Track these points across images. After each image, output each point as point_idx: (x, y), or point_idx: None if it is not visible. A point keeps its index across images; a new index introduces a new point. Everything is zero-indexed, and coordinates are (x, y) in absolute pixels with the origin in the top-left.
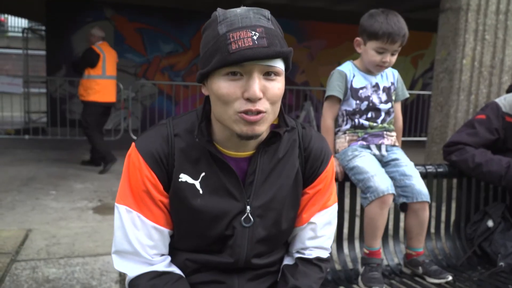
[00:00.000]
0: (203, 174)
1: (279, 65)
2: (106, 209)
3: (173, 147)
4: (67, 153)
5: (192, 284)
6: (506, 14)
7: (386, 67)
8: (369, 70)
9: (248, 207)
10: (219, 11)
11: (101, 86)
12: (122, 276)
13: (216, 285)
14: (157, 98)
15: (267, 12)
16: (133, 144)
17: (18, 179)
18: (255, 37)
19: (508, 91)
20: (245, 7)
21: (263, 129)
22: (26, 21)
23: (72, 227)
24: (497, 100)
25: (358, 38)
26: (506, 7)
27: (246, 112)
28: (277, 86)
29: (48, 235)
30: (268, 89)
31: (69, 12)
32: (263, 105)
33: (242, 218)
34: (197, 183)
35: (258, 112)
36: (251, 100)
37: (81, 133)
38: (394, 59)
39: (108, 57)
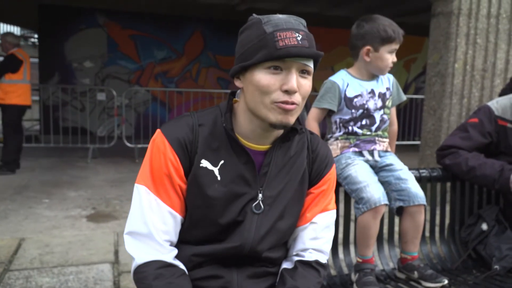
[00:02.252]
0: (222, 162)
1: (312, 65)
2: (99, 217)
3: (197, 135)
4: (61, 161)
5: (192, 279)
6: (497, 17)
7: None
8: (366, 76)
9: (260, 195)
10: (257, 15)
11: (22, 90)
12: (116, 284)
13: (215, 280)
14: (150, 104)
15: (304, 21)
16: (158, 130)
17: (11, 188)
18: (299, 38)
19: (500, 95)
20: (285, 14)
21: (293, 120)
22: (19, 28)
23: (65, 235)
24: (489, 103)
25: (368, 47)
26: (497, 11)
27: (283, 102)
28: (308, 83)
29: (41, 244)
30: (301, 85)
31: (62, 20)
32: (297, 98)
33: (254, 205)
34: (216, 170)
35: (293, 103)
36: (289, 92)
37: (74, 140)
38: None
39: (28, 63)
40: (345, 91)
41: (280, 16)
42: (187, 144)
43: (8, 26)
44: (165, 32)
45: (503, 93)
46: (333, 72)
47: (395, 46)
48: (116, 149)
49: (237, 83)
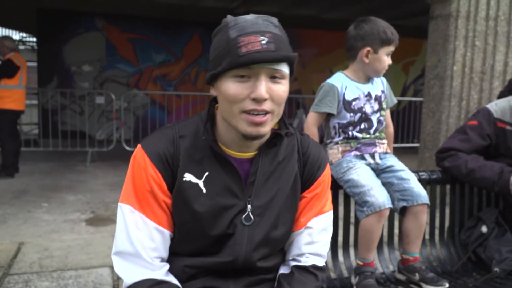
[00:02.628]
0: (206, 173)
1: (284, 68)
2: (99, 221)
3: (178, 148)
4: (60, 165)
5: None
6: (495, 20)
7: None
8: (362, 78)
9: (249, 206)
10: (230, 17)
11: (18, 95)
12: None
13: None
14: (149, 108)
15: (275, 20)
16: (138, 145)
17: (10, 192)
18: (263, 42)
19: (499, 97)
20: (254, 15)
21: (266, 130)
22: (17, 32)
23: (64, 239)
24: (488, 106)
25: (368, 48)
26: (495, 13)
27: (252, 111)
28: (282, 88)
29: (40, 248)
30: (273, 91)
31: (61, 23)
32: (268, 105)
33: (243, 217)
34: (200, 183)
35: (265, 112)
36: (257, 100)
37: (73, 144)
38: None
39: (24, 69)
40: (343, 94)
41: (248, 17)
42: (168, 158)
43: (7, 30)
44: (163, 36)
45: (501, 95)
46: (331, 74)
47: (392, 48)
48: (115, 152)
49: (212, 91)
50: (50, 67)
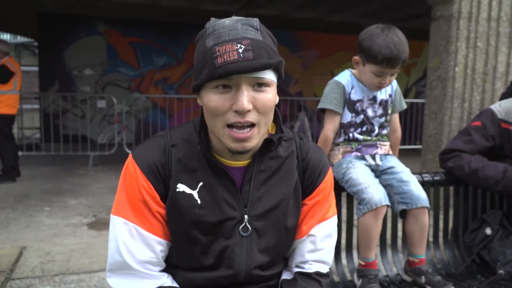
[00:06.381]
0: (201, 184)
1: (269, 76)
2: (101, 225)
3: (170, 157)
4: (61, 169)
5: None
6: (497, 21)
7: (385, 87)
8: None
9: (245, 216)
10: (211, 21)
11: (11, 99)
12: None
13: None
14: (151, 111)
15: (255, 22)
16: (130, 154)
17: (12, 196)
18: (240, 50)
19: (501, 98)
20: (234, 18)
21: (253, 144)
22: (19, 37)
23: (66, 243)
24: (492, 106)
25: (356, 57)
26: (497, 14)
27: (235, 125)
28: (267, 97)
29: (42, 252)
30: (258, 100)
31: (62, 28)
32: (252, 116)
33: (240, 227)
34: (195, 193)
35: (249, 124)
36: (240, 112)
37: (75, 148)
38: (393, 78)
39: (19, 74)
40: (349, 93)
41: (227, 22)
42: (159, 168)
43: (8, 34)
44: (164, 39)
45: (503, 97)
46: (333, 76)
47: (384, 70)
48: (117, 156)
49: (199, 101)
50: (51, 71)
